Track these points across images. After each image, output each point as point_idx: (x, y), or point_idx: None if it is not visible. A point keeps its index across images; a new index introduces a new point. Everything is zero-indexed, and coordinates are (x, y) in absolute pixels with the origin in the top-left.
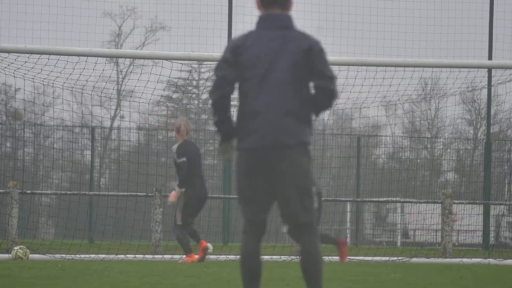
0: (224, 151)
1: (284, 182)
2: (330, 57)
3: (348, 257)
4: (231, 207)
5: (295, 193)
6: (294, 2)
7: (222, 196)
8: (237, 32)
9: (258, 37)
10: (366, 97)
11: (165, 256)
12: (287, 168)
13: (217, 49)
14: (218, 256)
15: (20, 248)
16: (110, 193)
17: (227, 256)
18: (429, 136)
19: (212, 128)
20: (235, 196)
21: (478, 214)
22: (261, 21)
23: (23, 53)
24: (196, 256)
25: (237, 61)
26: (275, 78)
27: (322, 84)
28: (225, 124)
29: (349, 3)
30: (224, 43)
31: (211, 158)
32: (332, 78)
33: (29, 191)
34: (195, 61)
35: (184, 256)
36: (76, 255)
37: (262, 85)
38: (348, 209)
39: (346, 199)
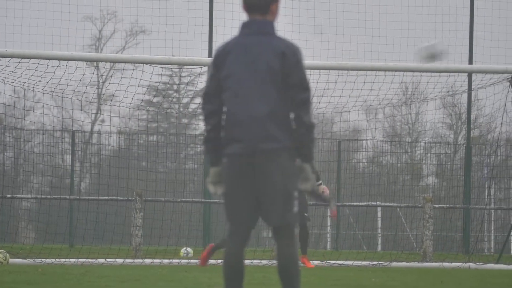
0: (213, 180)
1: (267, 186)
2: (311, 62)
3: (329, 261)
4: (212, 211)
5: (276, 196)
6: (279, 11)
7: (203, 200)
8: (217, 36)
9: (237, 44)
10: (346, 101)
11: (146, 260)
12: (270, 172)
13: (197, 53)
14: (199, 260)
15: (0, 252)
16: (90, 197)
17: (208, 260)
18: (409, 141)
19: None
20: (216, 201)
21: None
22: (243, 27)
23: (4, 57)
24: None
25: (219, 72)
26: (254, 84)
27: (296, 97)
28: (212, 142)
29: (329, 8)
30: (205, 47)
31: (192, 162)
32: (306, 90)
33: (9, 195)
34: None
35: None
36: (56, 260)
37: (242, 92)
38: (329, 214)
39: (325, 203)
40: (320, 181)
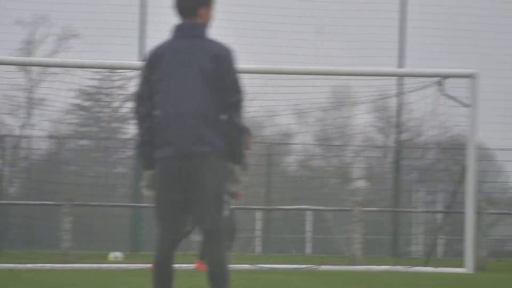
0: (148, 184)
1: (198, 190)
2: (243, 65)
3: (258, 264)
4: (141, 215)
5: (207, 200)
6: (214, 14)
7: (132, 204)
8: (148, 40)
9: (170, 47)
10: (277, 105)
11: (75, 265)
12: (202, 175)
13: (128, 57)
14: (128, 264)
15: None
16: (20, 201)
17: (137, 264)
18: (339, 144)
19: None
20: (145, 205)
21: None
22: (174, 31)
23: None
24: None
25: (151, 75)
26: (186, 87)
27: (229, 99)
28: (145, 146)
29: (261, 11)
30: (135, 51)
31: (122, 166)
32: (239, 92)
33: None
34: (107, 69)
35: None
36: None
37: (175, 95)
38: (258, 217)
39: (256, 207)
40: None
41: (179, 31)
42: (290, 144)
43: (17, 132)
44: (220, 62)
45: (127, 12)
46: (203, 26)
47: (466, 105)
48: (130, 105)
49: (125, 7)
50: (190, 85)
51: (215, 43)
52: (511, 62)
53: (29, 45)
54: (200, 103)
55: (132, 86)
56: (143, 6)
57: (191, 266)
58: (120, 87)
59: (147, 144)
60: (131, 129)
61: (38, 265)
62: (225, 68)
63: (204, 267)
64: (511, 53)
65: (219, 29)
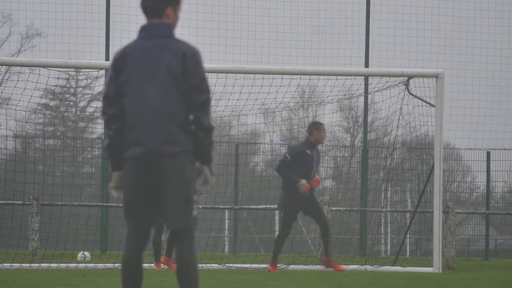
0: (116, 185)
1: (167, 190)
2: (209, 65)
3: (227, 264)
4: (109, 215)
5: (176, 200)
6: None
7: (100, 204)
8: (115, 39)
9: (137, 47)
10: (244, 105)
11: (42, 264)
12: (171, 175)
13: (94, 56)
14: (96, 264)
15: None
16: None
17: (105, 264)
18: None
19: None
20: (113, 204)
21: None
22: (141, 31)
23: None
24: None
25: (119, 75)
26: (154, 87)
27: (196, 99)
28: (114, 147)
29: (226, 11)
30: (102, 50)
31: (89, 166)
32: (206, 92)
33: None
34: (73, 69)
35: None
36: None
37: (142, 96)
38: (227, 217)
39: (224, 206)
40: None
41: (146, 31)
42: (258, 143)
43: None
44: (187, 62)
45: (94, 12)
46: (170, 26)
47: (432, 105)
48: (96, 104)
49: (91, 7)
50: (158, 85)
51: (182, 43)
52: (477, 61)
53: None
54: (168, 103)
55: (99, 86)
56: (109, 5)
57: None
58: (86, 87)
59: (115, 145)
60: (98, 129)
61: (6, 265)
62: (192, 68)
63: (172, 264)
64: (477, 52)
65: (185, 29)
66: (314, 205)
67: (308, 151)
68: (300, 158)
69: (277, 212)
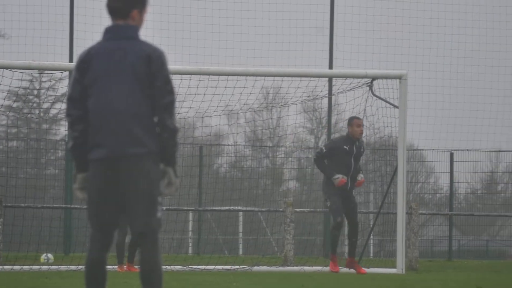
0: (80, 186)
1: (131, 191)
2: (173, 67)
3: (190, 266)
4: (73, 217)
5: (140, 202)
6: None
7: (63, 206)
8: (78, 41)
9: (101, 49)
10: (208, 106)
11: (5, 267)
12: (135, 177)
13: (58, 58)
14: (60, 266)
15: None
16: None
17: (69, 266)
18: (270, 145)
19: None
20: (77, 206)
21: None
22: (106, 32)
23: None
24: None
25: (83, 77)
26: (119, 89)
27: (160, 100)
28: (79, 149)
29: (190, 13)
30: (65, 52)
31: (53, 167)
32: (171, 93)
33: None
34: (36, 70)
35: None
36: None
37: (107, 97)
38: (191, 218)
39: (188, 208)
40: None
41: (111, 33)
42: (222, 145)
43: None
44: (152, 63)
45: (57, 13)
46: (135, 28)
47: (396, 106)
48: (60, 106)
49: (55, 8)
50: (123, 86)
51: (147, 44)
52: (440, 62)
53: None
54: (133, 104)
55: (63, 87)
56: (73, 7)
57: (124, 267)
58: (50, 88)
59: (80, 146)
60: (61, 130)
61: None
62: (157, 70)
63: (135, 269)
64: (440, 53)
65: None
66: (351, 202)
67: (345, 146)
68: (336, 152)
69: (241, 213)
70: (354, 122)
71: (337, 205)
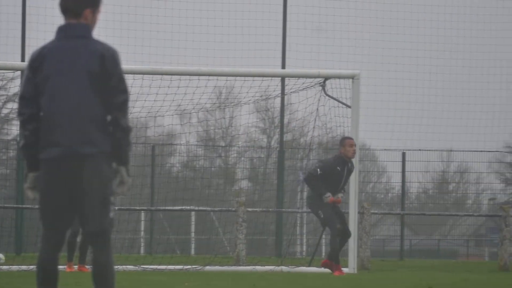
0: (31, 185)
1: (83, 191)
2: (125, 66)
3: (142, 265)
4: (24, 217)
5: (93, 202)
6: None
7: (15, 206)
8: (31, 40)
9: (54, 48)
10: (161, 106)
11: None
12: (87, 177)
13: (10, 57)
14: (11, 266)
15: None
16: None
17: (20, 266)
18: (223, 145)
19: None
20: (28, 206)
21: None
22: (59, 31)
23: None
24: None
25: (36, 76)
26: (72, 88)
27: (114, 100)
28: (30, 148)
29: (143, 12)
30: (17, 51)
31: (4, 167)
32: (124, 92)
33: None
34: None
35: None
36: None
37: (60, 96)
38: (143, 218)
39: (140, 208)
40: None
41: (64, 32)
42: (174, 144)
43: None
44: (106, 62)
45: (9, 12)
46: (88, 27)
47: (348, 106)
48: (12, 105)
49: (7, 7)
50: (76, 85)
51: (100, 43)
52: (393, 62)
53: None
54: (86, 103)
55: (14, 87)
56: (25, 6)
57: (75, 267)
58: (1, 88)
59: (31, 145)
60: (13, 130)
61: None
62: (111, 69)
63: (86, 269)
64: (392, 54)
65: (102, 30)
66: (337, 211)
67: (338, 168)
68: (329, 173)
69: (193, 213)
70: (346, 142)
71: (331, 213)
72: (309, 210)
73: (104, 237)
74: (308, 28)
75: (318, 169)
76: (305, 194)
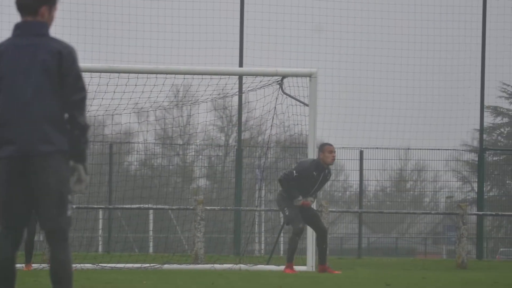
0: None
1: (40, 189)
2: (83, 64)
3: (100, 264)
4: None
5: (50, 200)
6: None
7: None
8: None
9: (11, 45)
10: (118, 104)
11: None
12: (45, 175)
13: None
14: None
15: None
16: None
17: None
18: (181, 143)
19: None
20: None
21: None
22: (15, 29)
23: None
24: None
25: None
26: (29, 86)
27: (71, 97)
28: None
29: (100, 10)
30: None
31: None
32: (82, 90)
33: None
34: None
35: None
36: None
37: (17, 94)
38: (101, 216)
39: (98, 206)
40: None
41: (20, 29)
42: (132, 143)
43: None
44: (63, 60)
45: None
46: (45, 25)
47: (306, 104)
48: None
49: None
50: (33, 83)
51: (58, 41)
52: (350, 61)
53: None
54: (43, 101)
55: None
56: None
57: (33, 265)
58: None
59: None
60: None
61: None
62: (68, 67)
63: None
64: (350, 52)
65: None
66: (310, 211)
67: (315, 173)
68: (305, 177)
69: (151, 211)
70: (326, 148)
71: (296, 212)
72: (277, 207)
73: (62, 235)
74: (266, 26)
75: (295, 171)
76: (263, 192)
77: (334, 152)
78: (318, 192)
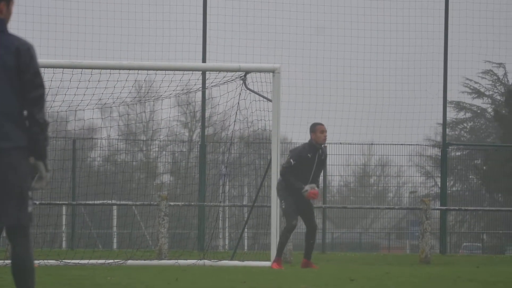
0: None
1: (0, 186)
2: (45, 60)
3: (64, 260)
4: None
5: (9, 196)
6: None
7: None
8: None
9: None
10: (81, 100)
11: None
12: (4, 172)
13: None
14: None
15: None
16: None
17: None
18: (144, 139)
19: None
20: None
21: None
22: None
23: None
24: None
25: None
26: None
27: (30, 94)
28: None
29: (63, 5)
30: None
31: None
32: (40, 87)
33: None
34: None
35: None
36: None
37: None
38: (64, 212)
39: (61, 202)
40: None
41: None
42: (95, 138)
43: None
44: (21, 57)
45: None
46: (3, 21)
47: (269, 100)
48: None
49: None
50: None
51: (16, 37)
52: (313, 56)
53: None
54: (2, 98)
55: None
56: None
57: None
58: None
59: None
60: None
61: None
62: (26, 63)
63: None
64: (313, 47)
65: (21, 23)
66: (307, 205)
67: (309, 155)
68: (301, 161)
69: (115, 207)
70: (317, 128)
71: (293, 208)
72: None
73: (22, 231)
74: (229, 22)
75: (291, 160)
76: (226, 188)
77: (326, 131)
78: (318, 178)
